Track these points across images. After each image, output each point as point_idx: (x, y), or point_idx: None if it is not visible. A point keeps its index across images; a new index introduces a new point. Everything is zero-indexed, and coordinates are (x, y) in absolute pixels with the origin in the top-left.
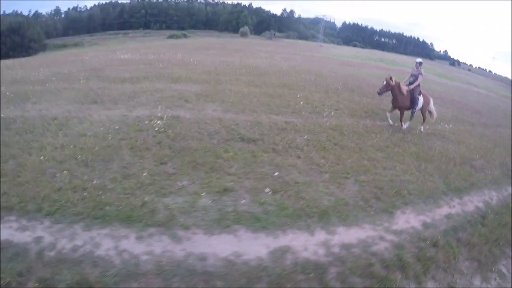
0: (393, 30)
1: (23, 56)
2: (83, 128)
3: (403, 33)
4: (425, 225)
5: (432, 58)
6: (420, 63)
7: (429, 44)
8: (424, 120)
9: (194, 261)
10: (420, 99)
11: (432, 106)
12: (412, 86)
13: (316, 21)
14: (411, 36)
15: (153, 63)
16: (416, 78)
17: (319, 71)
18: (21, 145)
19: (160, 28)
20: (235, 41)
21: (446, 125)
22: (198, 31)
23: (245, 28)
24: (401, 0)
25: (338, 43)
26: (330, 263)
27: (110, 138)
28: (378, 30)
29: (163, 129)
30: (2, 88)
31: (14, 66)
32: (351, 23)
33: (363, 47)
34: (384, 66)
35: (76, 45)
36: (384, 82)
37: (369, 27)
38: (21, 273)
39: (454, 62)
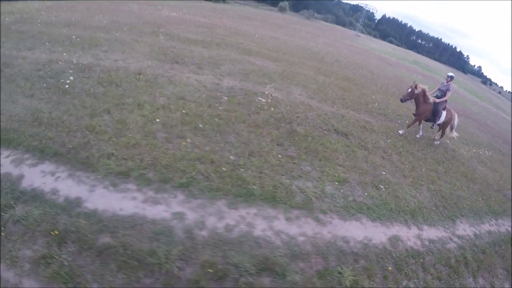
0: (432, 34)
1: None
2: (179, 90)
3: (441, 38)
4: (476, 235)
5: (466, 72)
6: (452, 78)
7: (465, 56)
8: (442, 135)
9: (341, 243)
10: (444, 114)
11: (455, 123)
12: (439, 100)
13: (355, 9)
14: (448, 44)
15: (210, 27)
16: (444, 94)
17: (368, 67)
18: (113, 98)
19: None
20: (274, 15)
21: (486, 152)
22: None
23: (285, 3)
24: (446, 2)
25: (375, 36)
26: (425, 252)
27: (216, 107)
28: (416, 30)
29: (266, 107)
30: (63, 30)
31: (56, 8)
32: (391, 17)
33: (398, 45)
34: (419, 70)
35: None
36: (409, 89)
37: (408, 25)
38: (180, 257)
39: (486, 81)
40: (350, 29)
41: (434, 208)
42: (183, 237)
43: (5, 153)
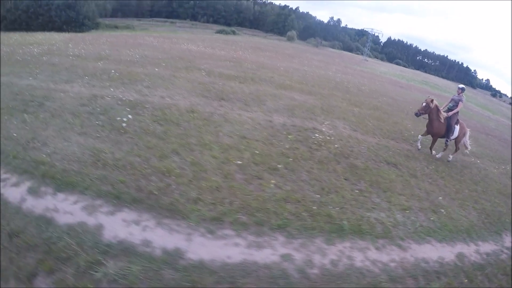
0: (437, 52)
1: (76, 31)
2: (237, 128)
3: (447, 56)
4: None
5: (474, 87)
6: (463, 89)
7: (473, 71)
8: (456, 150)
9: (423, 264)
10: (457, 129)
11: (467, 138)
12: (451, 113)
13: (361, 33)
14: (454, 61)
15: (236, 61)
16: (456, 104)
17: (388, 94)
18: (176, 138)
19: (207, 22)
20: (283, 45)
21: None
22: (244, 29)
23: (292, 33)
24: (447, 20)
25: (382, 59)
26: (485, 265)
27: (280, 145)
28: (422, 50)
29: (322, 143)
30: (99, 64)
31: (80, 41)
32: (396, 39)
33: (405, 66)
34: (429, 90)
35: (127, 27)
36: (424, 104)
37: (413, 45)
38: None
39: (496, 93)
40: (357, 53)
41: (482, 225)
42: (299, 277)
43: (71, 198)
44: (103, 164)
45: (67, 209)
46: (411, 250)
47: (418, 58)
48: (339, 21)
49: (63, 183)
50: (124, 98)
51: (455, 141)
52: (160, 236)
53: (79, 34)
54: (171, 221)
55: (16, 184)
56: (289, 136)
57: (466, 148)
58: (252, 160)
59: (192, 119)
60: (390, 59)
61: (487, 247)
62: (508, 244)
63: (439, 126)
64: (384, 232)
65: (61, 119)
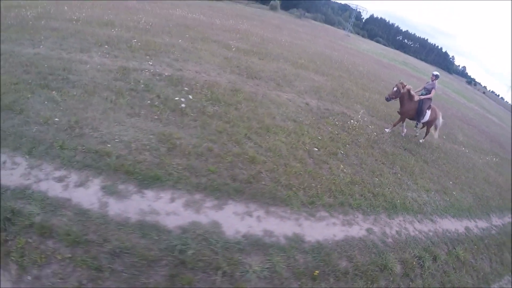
0: (418, 34)
1: None
2: (284, 111)
3: (427, 39)
4: (504, 225)
5: (451, 72)
6: (437, 76)
7: (451, 57)
8: (427, 134)
9: (448, 233)
10: (428, 113)
11: (439, 122)
12: (423, 97)
13: (344, 8)
14: (434, 45)
15: (237, 32)
16: (429, 91)
17: (382, 76)
18: (239, 121)
19: None
20: (268, 14)
21: (494, 158)
22: None
23: (276, 2)
24: (432, 3)
25: (363, 35)
26: (483, 237)
27: (326, 129)
28: (403, 31)
29: (357, 128)
30: (109, 31)
31: (73, 4)
32: (379, 17)
33: (385, 45)
34: (410, 72)
35: None
36: (395, 89)
37: (395, 25)
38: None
39: (471, 81)
40: (338, 28)
41: (477, 207)
42: (382, 246)
43: (164, 195)
44: (180, 152)
45: (168, 209)
46: (438, 223)
47: (398, 38)
48: None
49: (146, 178)
50: (160, 73)
51: (426, 125)
52: (275, 225)
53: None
54: (277, 208)
55: (82, 184)
56: (325, 120)
57: (436, 131)
58: (314, 145)
59: (241, 100)
60: (371, 36)
61: (482, 224)
62: (495, 222)
63: (409, 107)
64: (419, 208)
65: (100, 97)
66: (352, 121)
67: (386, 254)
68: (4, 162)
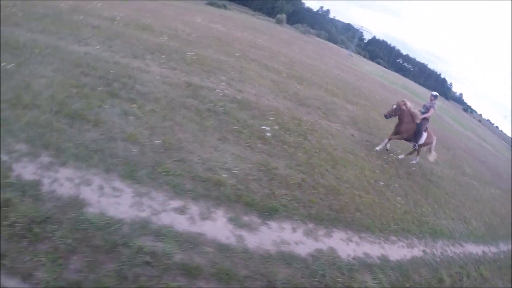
0: (418, 59)
1: None
2: (340, 142)
3: (427, 64)
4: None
5: (448, 98)
6: (435, 96)
7: (449, 83)
8: (418, 153)
9: (472, 255)
10: (425, 135)
11: (433, 146)
12: (422, 116)
13: (347, 27)
14: (433, 70)
15: (266, 49)
16: (427, 110)
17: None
18: (314, 152)
19: None
20: (275, 28)
21: (497, 191)
22: (234, 5)
23: (282, 16)
24: (430, 29)
25: (364, 56)
26: (496, 260)
27: (372, 162)
28: (403, 54)
29: (395, 162)
30: (161, 40)
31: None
32: (381, 39)
33: (386, 67)
34: (410, 96)
35: None
36: (394, 106)
37: (396, 48)
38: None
39: (467, 109)
40: (341, 47)
41: (488, 234)
42: (435, 264)
43: (286, 226)
44: (281, 183)
45: (294, 239)
46: (464, 247)
47: (398, 61)
48: (328, 11)
49: (265, 209)
50: (229, 94)
51: (419, 146)
52: (369, 248)
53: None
54: (365, 234)
55: (207, 216)
56: (373, 153)
57: (430, 155)
58: (373, 177)
59: (306, 130)
60: (372, 57)
61: (493, 249)
62: (503, 249)
63: (408, 127)
64: (450, 234)
65: (181, 115)
66: (392, 154)
67: (439, 270)
68: (101, 187)
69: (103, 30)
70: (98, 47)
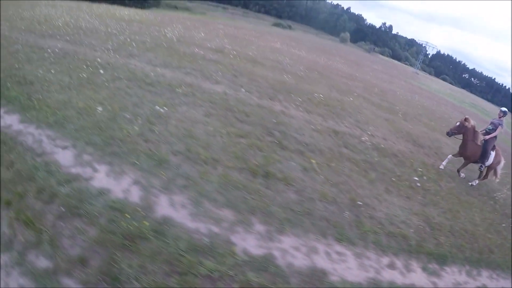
0: (485, 73)
1: (139, 7)
2: (458, 185)
3: (495, 78)
4: None
5: None
6: (505, 113)
7: None
8: (485, 177)
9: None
10: (492, 155)
11: (500, 167)
12: (488, 137)
13: (410, 43)
14: (502, 84)
15: (365, 85)
16: (495, 127)
17: None
18: (447, 196)
19: (258, 11)
20: (340, 47)
21: None
22: (295, 23)
23: (346, 35)
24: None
25: (430, 73)
26: None
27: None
28: (469, 68)
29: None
30: (257, 68)
31: (161, 22)
32: (445, 54)
33: (451, 83)
34: (479, 115)
35: (186, 9)
36: (458, 123)
37: (462, 62)
38: None
39: None
40: (405, 63)
41: None
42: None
43: (455, 269)
44: (441, 231)
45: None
46: None
47: (464, 76)
48: (390, 27)
49: (438, 256)
50: (369, 140)
51: (487, 168)
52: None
53: (143, 11)
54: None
55: (411, 269)
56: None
57: (496, 177)
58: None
59: (436, 175)
60: (437, 73)
61: None
62: None
63: (473, 148)
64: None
65: (345, 167)
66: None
67: None
68: (328, 253)
69: (223, 65)
70: (229, 85)
